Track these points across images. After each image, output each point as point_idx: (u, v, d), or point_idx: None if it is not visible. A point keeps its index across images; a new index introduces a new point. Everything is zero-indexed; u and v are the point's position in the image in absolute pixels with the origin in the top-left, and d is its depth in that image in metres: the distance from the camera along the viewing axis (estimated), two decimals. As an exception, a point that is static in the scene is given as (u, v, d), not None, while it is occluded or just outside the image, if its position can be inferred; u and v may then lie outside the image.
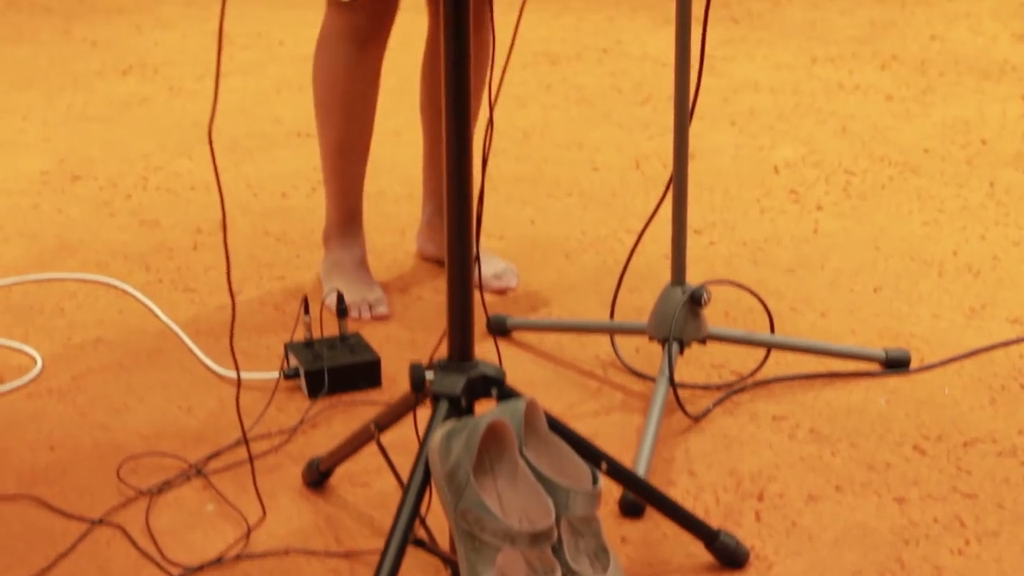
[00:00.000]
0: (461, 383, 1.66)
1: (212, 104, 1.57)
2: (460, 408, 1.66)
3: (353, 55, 2.45)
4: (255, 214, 3.01)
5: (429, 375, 1.69)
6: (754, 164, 3.29)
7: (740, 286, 2.33)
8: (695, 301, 2.15)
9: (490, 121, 1.69)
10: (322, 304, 2.44)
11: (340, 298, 2.28)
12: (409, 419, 1.77)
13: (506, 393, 1.69)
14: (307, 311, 2.27)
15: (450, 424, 1.62)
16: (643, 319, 2.26)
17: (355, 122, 2.52)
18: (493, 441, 1.60)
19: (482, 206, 1.70)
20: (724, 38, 4.33)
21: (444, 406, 1.65)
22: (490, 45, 2.45)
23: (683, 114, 2.11)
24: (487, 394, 1.69)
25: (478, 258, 1.68)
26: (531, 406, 1.63)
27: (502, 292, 2.61)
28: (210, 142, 1.55)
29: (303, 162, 3.30)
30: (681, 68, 2.09)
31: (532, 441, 1.65)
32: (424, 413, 1.71)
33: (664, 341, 2.16)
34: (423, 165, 2.71)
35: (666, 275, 2.34)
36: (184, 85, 3.96)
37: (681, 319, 2.15)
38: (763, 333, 2.32)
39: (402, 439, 1.85)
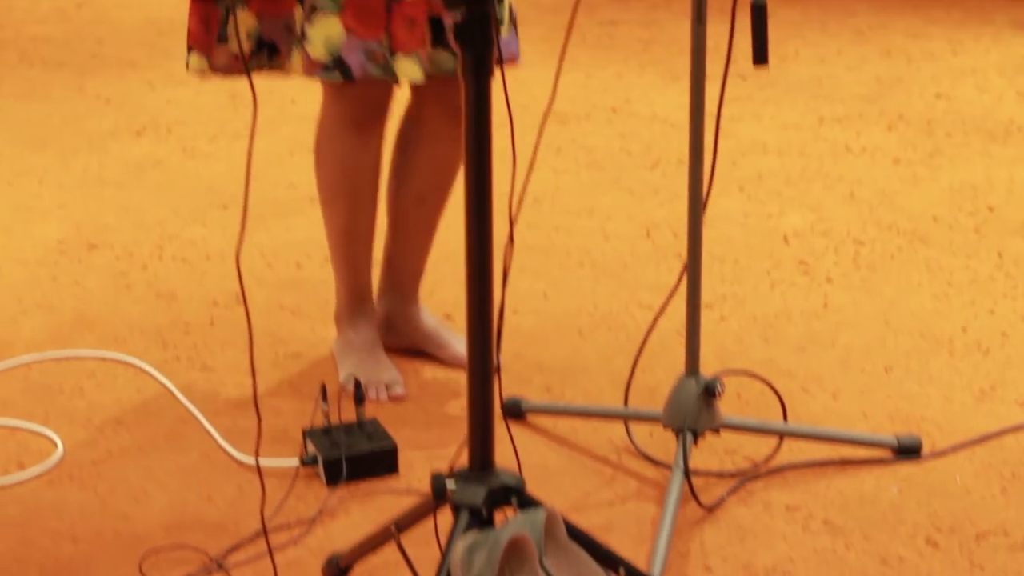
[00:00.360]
0: (482, 494, 1.69)
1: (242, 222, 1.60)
2: (481, 518, 1.68)
3: (354, 142, 2.48)
4: (270, 286, 3.04)
5: (450, 484, 1.71)
6: (763, 233, 3.32)
7: (753, 375, 2.36)
8: (709, 392, 2.18)
9: (510, 238, 1.72)
10: (340, 389, 2.47)
11: (358, 385, 2.31)
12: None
13: (526, 502, 1.71)
14: (325, 398, 2.29)
15: (472, 536, 1.64)
16: (656, 399, 2.29)
17: (360, 207, 2.55)
18: (514, 554, 1.63)
19: (502, 320, 1.73)
20: (731, 95, 4.34)
21: (465, 516, 1.68)
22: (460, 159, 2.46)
23: (697, 213, 2.14)
24: (507, 503, 1.72)
25: (498, 369, 1.71)
26: (551, 517, 1.66)
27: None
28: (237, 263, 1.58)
29: (316, 230, 3.31)
30: (695, 167, 2.12)
31: (552, 551, 1.67)
32: (445, 514, 1.74)
33: (679, 431, 2.19)
34: (384, 253, 2.67)
35: (678, 352, 2.37)
36: (198, 146, 4.00)
37: (695, 410, 2.18)
38: (776, 422, 2.35)
39: (422, 534, 1.88)
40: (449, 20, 1.64)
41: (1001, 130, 4.07)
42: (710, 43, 2.10)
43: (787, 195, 3.58)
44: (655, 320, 2.31)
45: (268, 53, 2.36)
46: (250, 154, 1.62)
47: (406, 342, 2.69)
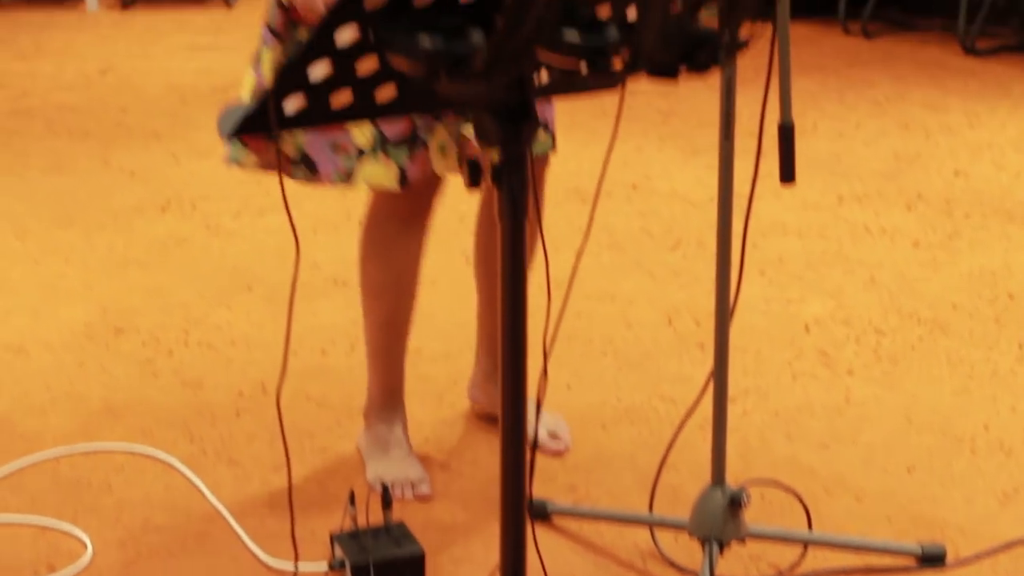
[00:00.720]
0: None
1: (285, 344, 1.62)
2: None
3: (399, 235, 2.52)
4: (295, 374, 3.06)
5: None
6: (784, 321, 3.34)
7: (777, 485, 2.37)
8: (735, 504, 2.20)
9: (543, 371, 1.74)
10: (368, 490, 2.49)
11: (385, 489, 2.33)
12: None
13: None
14: (352, 503, 2.31)
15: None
16: (681, 500, 2.30)
17: (401, 299, 2.59)
18: None
19: (534, 455, 1.75)
20: (751, 173, 4.39)
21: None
22: (538, 235, 2.52)
23: (723, 332, 2.16)
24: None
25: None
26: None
27: (559, 454, 2.68)
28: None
29: (341, 314, 3.36)
30: (722, 284, 2.14)
31: None
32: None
33: (705, 540, 2.21)
34: (478, 317, 2.78)
35: (702, 448, 2.39)
36: (222, 223, 4.03)
37: (721, 521, 2.19)
38: (800, 530, 2.36)
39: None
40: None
41: (1019, 211, 4.09)
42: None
43: (808, 279, 3.60)
44: (681, 425, 2.32)
45: (307, 167, 2.41)
46: (292, 293, 1.64)
47: (490, 406, 2.78)
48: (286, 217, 1.65)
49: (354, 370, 3.05)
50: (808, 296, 3.49)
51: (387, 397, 2.66)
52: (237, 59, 6.35)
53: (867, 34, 6.72)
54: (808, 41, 6.44)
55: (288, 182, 2.31)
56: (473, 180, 1.53)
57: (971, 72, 5.96)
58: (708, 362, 3.08)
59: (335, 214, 4.04)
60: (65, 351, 3.19)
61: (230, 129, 1.44)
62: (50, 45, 6.64)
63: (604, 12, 1.48)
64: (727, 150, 2.02)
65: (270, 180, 4.43)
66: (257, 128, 1.46)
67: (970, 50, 6.31)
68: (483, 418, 2.83)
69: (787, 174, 1.98)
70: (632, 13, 1.46)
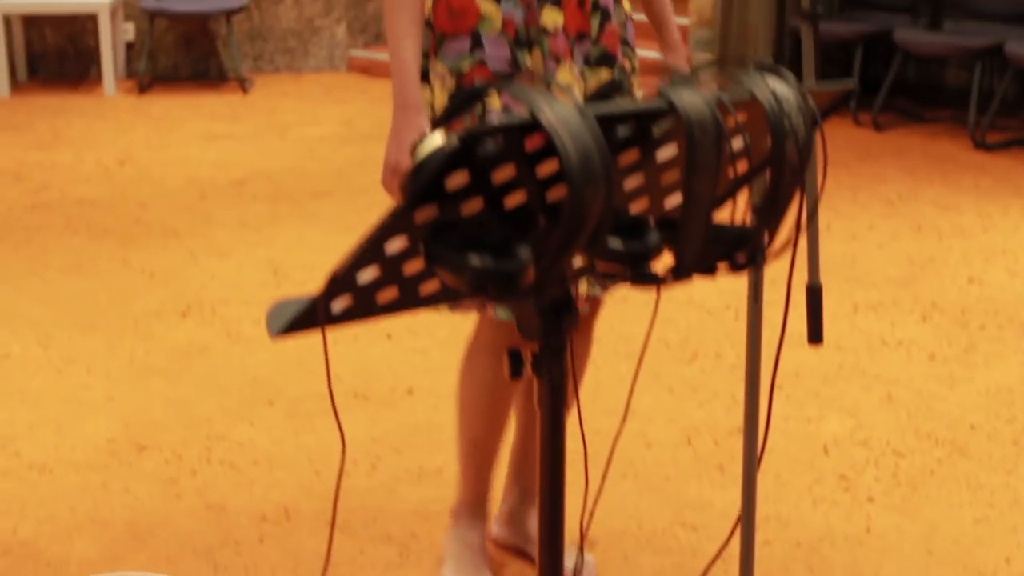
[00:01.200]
0: None
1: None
2: None
3: (500, 365, 2.56)
4: (318, 497, 3.08)
5: None
6: (803, 441, 3.36)
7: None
8: (762, 656, 2.21)
9: (580, 548, 1.76)
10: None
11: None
12: None
13: None
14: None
15: None
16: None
17: (494, 424, 2.65)
18: None
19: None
20: (768, 278, 4.43)
21: None
22: (590, 344, 2.60)
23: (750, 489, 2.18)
24: None
25: None
26: None
27: None
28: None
29: (362, 431, 3.38)
30: (751, 427, 2.16)
31: None
32: None
33: None
34: (512, 451, 2.81)
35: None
36: (242, 331, 4.06)
37: (748, 673, 2.21)
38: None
39: None
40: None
41: (1034, 322, 4.12)
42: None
43: (825, 395, 3.62)
44: (709, 565, 2.34)
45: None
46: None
47: (520, 541, 2.81)
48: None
49: (375, 492, 3.07)
50: (826, 414, 3.51)
51: (477, 504, 2.74)
52: (253, 149, 6.42)
53: (878, 126, 6.78)
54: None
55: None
56: (515, 372, 1.56)
57: (982, 168, 6.01)
58: (729, 485, 3.11)
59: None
60: (89, 470, 3.21)
61: (279, 330, 1.47)
62: (68, 132, 6.71)
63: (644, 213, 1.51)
64: (755, 312, 2.04)
65: (289, 284, 4.47)
66: (304, 327, 1.49)
67: (980, 144, 6.36)
68: (504, 548, 2.84)
69: (815, 335, 2.01)
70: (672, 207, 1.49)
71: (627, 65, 2.47)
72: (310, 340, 3.96)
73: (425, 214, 1.36)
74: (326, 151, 6.38)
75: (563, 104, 1.31)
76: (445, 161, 1.29)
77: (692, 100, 1.39)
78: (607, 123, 1.36)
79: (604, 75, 2.41)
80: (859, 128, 6.78)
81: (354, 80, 8.16)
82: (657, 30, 2.60)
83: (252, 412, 3.52)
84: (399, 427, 3.43)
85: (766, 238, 1.52)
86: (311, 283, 4.47)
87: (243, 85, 7.80)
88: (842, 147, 6.37)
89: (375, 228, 1.39)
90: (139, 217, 5.23)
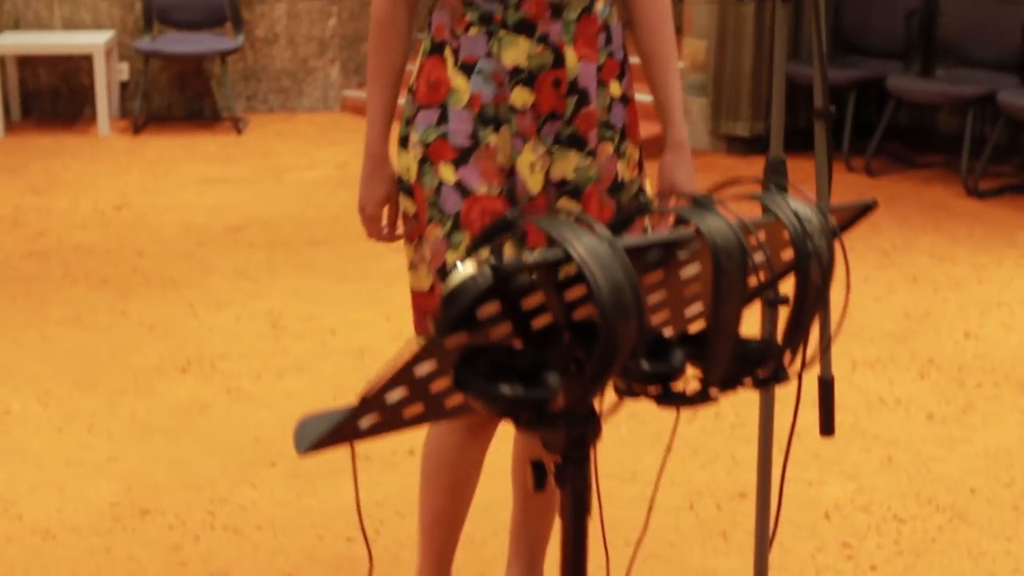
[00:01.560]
0: None
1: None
2: None
3: (465, 441, 2.56)
4: (321, 564, 3.08)
5: None
6: (804, 505, 3.37)
7: None
8: None
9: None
10: None
11: None
12: None
13: None
14: None
15: None
16: None
17: (458, 498, 2.63)
18: None
19: None
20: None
21: None
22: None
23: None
24: None
25: None
26: None
27: None
28: None
29: (364, 494, 3.39)
30: (762, 506, 2.17)
31: None
32: None
33: None
34: (512, 521, 2.81)
35: None
36: (243, 387, 4.07)
37: None
38: None
39: None
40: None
41: (1031, 380, 4.15)
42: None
43: (825, 457, 3.63)
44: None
45: None
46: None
47: None
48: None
49: (380, 560, 3.07)
50: (827, 477, 3.52)
51: None
52: (249, 194, 6.44)
53: (870, 171, 6.82)
54: (813, 179, 6.52)
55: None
56: (539, 483, 1.57)
57: (975, 216, 6.04)
58: (732, 552, 3.12)
59: (352, 378, 4.08)
60: (93, 535, 3.21)
61: (307, 447, 1.48)
62: (64, 175, 6.71)
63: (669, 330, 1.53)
64: (767, 402, 2.06)
65: (288, 337, 4.48)
66: (331, 444, 1.51)
67: (973, 191, 6.40)
68: None
69: (827, 427, 2.02)
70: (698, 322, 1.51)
71: (607, 149, 2.41)
72: (310, 395, 3.97)
73: (455, 341, 1.37)
74: (322, 196, 6.40)
75: (593, 237, 1.33)
76: (478, 294, 1.31)
77: (719, 226, 1.41)
78: (635, 252, 1.38)
79: (572, 157, 2.37)
80: (852, 173, 6.82)
81: (348, 120, 8.18)
82: (658, 111, 2.52)
83: (254, 474, 3.52)
84: (401, 489, 3.43)
85: (788, 356, 1.54)
86: (309, 336, 4.47)
87: (237, 125, 7.81)
88: (835, 193, 6.40)
89: (408, 357, 1.40)
90: (137, 265, 5.24)
